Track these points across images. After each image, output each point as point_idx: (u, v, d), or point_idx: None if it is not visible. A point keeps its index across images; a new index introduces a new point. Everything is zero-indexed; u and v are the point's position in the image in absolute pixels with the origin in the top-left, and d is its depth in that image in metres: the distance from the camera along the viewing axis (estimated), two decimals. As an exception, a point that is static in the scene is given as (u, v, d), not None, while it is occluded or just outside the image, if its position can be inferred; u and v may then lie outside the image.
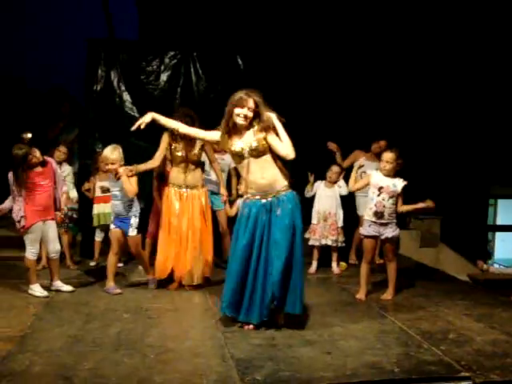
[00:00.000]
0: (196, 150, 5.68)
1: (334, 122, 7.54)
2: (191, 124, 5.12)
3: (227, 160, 6.62)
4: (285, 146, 4.25)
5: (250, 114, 4.27)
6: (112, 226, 5.57)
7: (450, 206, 7.87)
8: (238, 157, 4.36)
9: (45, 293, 5.28)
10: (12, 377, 3.40)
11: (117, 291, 5.46)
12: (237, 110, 4.26)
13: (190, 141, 5.60)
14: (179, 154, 5.66)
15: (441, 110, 8.30)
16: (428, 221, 8.01)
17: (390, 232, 5.23)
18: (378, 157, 6.71)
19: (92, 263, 6.74)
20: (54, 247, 5.41)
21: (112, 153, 5.38)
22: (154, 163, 5.66)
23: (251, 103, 4.26)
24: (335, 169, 6.56)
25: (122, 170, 5.31)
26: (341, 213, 6.53)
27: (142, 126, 4.48)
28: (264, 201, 4.31)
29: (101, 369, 3.54)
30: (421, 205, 5.27)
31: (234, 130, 4.36)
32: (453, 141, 8.16)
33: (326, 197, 6.50)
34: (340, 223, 6.52)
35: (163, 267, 5.67)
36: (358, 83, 8.34)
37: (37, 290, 5.30)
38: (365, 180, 5.52)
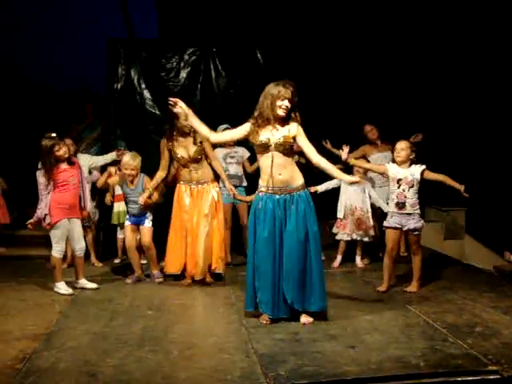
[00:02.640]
0: (194, 148, 5.60)
1: (354, 115, 7.45)
2: None
3: (240, 152, 6.61)
4: (315, 153, 4.35)
5: (289, 105, 4.28)
6: (127, 223, 5.87)
7: (475, 196, 7.75)
8: (263, 148, 4.32)
9: (70, 290, 5.34)
10: (38, 374, 3.45)
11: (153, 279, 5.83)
12: (279, 102, 4.25)
13: (185, 140, 5.61)
14: (179, 155, 5.63)
15: (466, 99, 8.16)
16: (453, 212, 7.90)
17: (413, 223, 5.17)
18: (385, 144, 6.72)
19: (116, 260, 6.81)
20: (79, 245, 5.48)
21: (134, 160, 5.72)
22: (161, 174, 5.77)
23: (290, 94, 4.26)
24: None
25: (142, 201, 5.62)
26: (381, 202, 6.40)
27: (178, 105, 4.48)
28: (277, 196, 4.31)
29: (125, 365, 3.57)
30: (458, 185, 5.22)
31: (263, 122, 4.33)
32: (478, 131, 8.02)
33: (352, 190, 6.41)
34: (371, 220, 6.39)
35: (174, 263, 5.72)
36: (380, 76, 8.25)
37: (62, 287, 5.36)
38: (381, 168, 5.44)
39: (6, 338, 4.13)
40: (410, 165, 5.22)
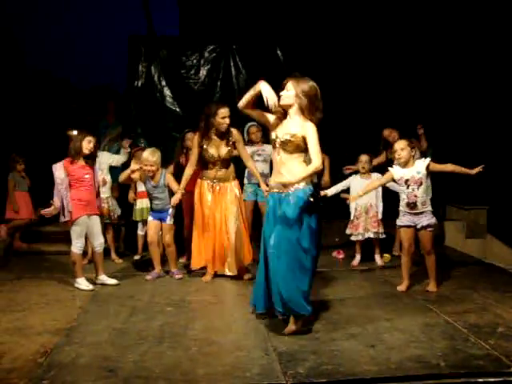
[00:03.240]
0: (227, 149, 5.65)
1: (374, 113, 7.41)
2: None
3: (268, 150, 6.60)
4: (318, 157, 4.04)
5: (289, 96, 4.10)
6: (150, 218, 5.93)
7: (497, 195, 7.65)
8: (273, 144, 4.26)
9: (90, 286, 5.39)
10: (59, 368, 3.49)
11: (176, 276, 5.89)
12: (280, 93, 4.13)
13: (221, 140, 5.63)
14: (211, 153, 5.64)
15: (488, 99, 8.07)
16: (474, 211, 7.80)
17: (426, 220, 5.10)
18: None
19: (136, 257, 6.84)
20: (99, 240, 5.53)
21: (153, 155, 5.73)
22: (190, 170, 5.75)
23: (291, 87, 4.10)
24: (364, 158, 6.38)
25: (174, 203, 5.74)
26: (381, 205, 6.38)
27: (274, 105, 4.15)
28: (277, 194, 4.16)
29: (145, 361, 3.59)
30: (468, 170, 5.09)
31: (280, 118, 4.23)
32: (499, 129, 7.92)
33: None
34: (380, 215, 6.37)
35: (199, 258, 5.77)
36: (399, 74, 8.21)
37: (82, 283, 5.41)
38: (388, 177, 5.31)
39: (27, 332, 4.18)
40: (414, 162, 5.15)
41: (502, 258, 7.03)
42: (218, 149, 5.63)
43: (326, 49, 8.38)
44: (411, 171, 5.11)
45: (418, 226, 5.14)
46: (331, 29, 8.75)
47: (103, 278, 5.58)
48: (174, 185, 5.82)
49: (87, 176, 5.45)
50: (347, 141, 7.30)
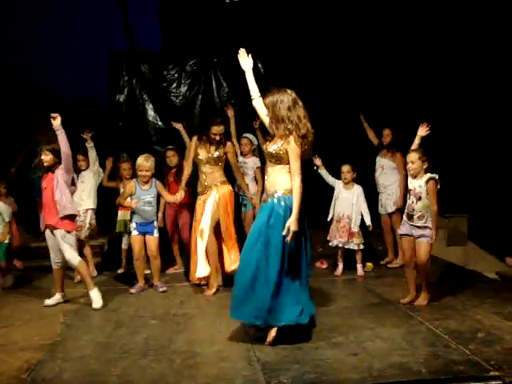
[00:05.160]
0: (216, 154, 5.78)
1: (356, 123, 7.49)
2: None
3: (249, 164, 6.69)
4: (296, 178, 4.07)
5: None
6: (135, 233, 5.90)
7: (477, 203, 7.76)
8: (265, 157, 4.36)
9: (48, 302, 5.36)
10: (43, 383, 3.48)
11: (141, 288, 5.91)
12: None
13: (210, 145, 5.76)
14: (200, 157, 5.82)
15: (467, 105, 8.19)
16: (455, 219, 7.90)
17: (420, 232, 5.04)
18: (388, 150, 6.81)
19: (120, 270, 6.83)
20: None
21: (147, 161, 5.85)
22: (188, 172, 5.98)
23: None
24: (345, 168, 6.46)
25: (178, 200, 5.89)
26: (357, 217, 6.39)
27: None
28: (265, 204, 4.28)
29: (129, 375, 3.60)
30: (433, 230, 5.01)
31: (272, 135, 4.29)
32: (478, 137, 8.04)
33: (341, 198, 6.46)
34: (355, 227, 6.37)
35: (195, 271, 5.81)
36: (379, 86, 8.32)
37: (52, 298, 5.40)
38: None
39: (11, 348, 4.17)
40: (424, 175, 5.06)
41: (483, 265, 7.12)
42: (206, 153, 5.78)
43: (306, 60, 8.47)
44: (416, 183, 5.07)
45: (416, 235, 5.08)
46: (310, 41, 8.85)
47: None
48: (164, 193, 5.99)
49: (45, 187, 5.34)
50: (329, 151, 7.35)
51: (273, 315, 4.06)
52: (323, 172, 6.53)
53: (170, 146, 6.83)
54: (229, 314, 4.24)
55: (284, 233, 3.98)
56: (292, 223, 3.96)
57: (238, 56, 4.50)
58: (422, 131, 5.28)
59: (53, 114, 5.13)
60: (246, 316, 4.14)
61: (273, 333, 4.10)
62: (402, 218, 6.42)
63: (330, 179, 6.56)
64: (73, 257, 5.24)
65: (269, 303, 4.02)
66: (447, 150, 7.85)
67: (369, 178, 6.90)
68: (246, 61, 4.50)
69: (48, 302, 5.36)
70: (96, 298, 5.28)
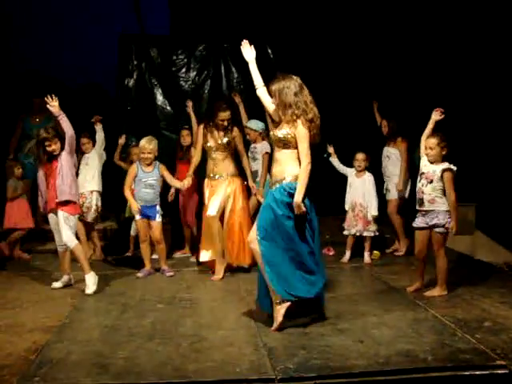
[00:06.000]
0: (225, 140, 5.80)
1: (364, 110, 7.46)
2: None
3: (258, 148, 6.68)
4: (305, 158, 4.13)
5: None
6: (138, 217, 5.91)
7: (485, 192, 7.72)
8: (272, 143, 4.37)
9: (56, 285, 5.38)
10: (51, 365, 3.51)
11: (149, 272, 5.95)
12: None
13: (218, 131, 5.78)
14: (209, 144, 5.82)
15: (476, 93, 8.14)
16: (463, 208, 7.85)
17: (435, 220, 4.91)
18: (390, 139, 6.82)
19: (127, 254, 6.87)
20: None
21: (150, 143, 5.84)
22: (197, 159, 5.97)
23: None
24: (361, 156, 6.44)
25: (186, 186, 5.87)
26: (373, 202, 6.41)
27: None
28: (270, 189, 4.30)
29: (136, 358, 3.62)
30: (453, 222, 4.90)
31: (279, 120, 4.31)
32: (487, 126, 7.99)
33: (354, 187, 6.47)
34: (370, 214, 6.39)
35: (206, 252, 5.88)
36: (389, 71, 8.26)
37: (58, 281, 5.43)
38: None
39: (19, 329, 4.20)
40: (443, 161, 4.95)
41: (490, 254, 7.09)
42: (215, 140, 5.79)
43: (317, 46, 8.43)
44: (431, 167, 4.94)
45: (430, 224, 4.97)
46: (321, 26, 8.79)
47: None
48: (169, 177, 5.98)
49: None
50: (339, 138, 7.32)
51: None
52: (335, 160, 6.53)
53: (186, 126, 6.87)
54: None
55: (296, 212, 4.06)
56: (296, 204, 4.04)
57: (241, 47, 4.54)
58: (437, 115, 5.11)
59: (48, 100, 5.01)
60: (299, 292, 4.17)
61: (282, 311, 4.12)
62: (400, 205, 6.70)
63: (341, 167, 6.57)
64: (70, 239, 5.22)
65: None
66: (455, 139, 7.79)
67: (377, 168, 6.89)
68: (248, 51, 4.54)
69: (56, 284, 5.39)
70: (90, 282, 5.22)
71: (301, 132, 4.11)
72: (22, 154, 7.80)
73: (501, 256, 7.02)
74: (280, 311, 4.12)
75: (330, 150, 6.49)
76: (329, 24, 8.81)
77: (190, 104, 6.84)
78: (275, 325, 4.12)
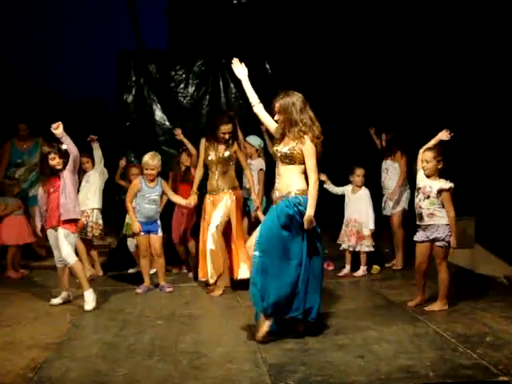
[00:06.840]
0: (226, 154, 5.78)
1: (363, 124, 7.48)
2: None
3: (254, 165, 6.68)
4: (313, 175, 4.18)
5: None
6: (142, 234, 5.89)
7: (485, 206, 7.71)
8: (275, 159, 4.38)
9: (55, 301, 5.35)
10: (49, 383, 3.48)
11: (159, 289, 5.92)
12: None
13: (219, 144, 5.77)
14: (210, 158, 5.81)
15: (475, 107, 8.16)
16: (462, 221, 7.85)
17: (435, 233, 4.92)
18: (389, 152, 6.83)
19: (131, 270, 6.84)
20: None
21: (153, 159, 5.81)
22: (199, 173, 5.95)
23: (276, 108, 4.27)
24: (360, 171, 6.47)
25: (192, 203, 5.84)
26: (370, 217, 6.41)
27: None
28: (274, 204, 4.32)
29: (135, 375, 3.59)
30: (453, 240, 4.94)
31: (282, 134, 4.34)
32: (486, 139, 8.00)
33: (350, 202, 6.52)
34: (367, 229, 6.41)
35: (202, 269, 5.84)
36: (387, 87, 8.30)
37: (56, 298, 5.40)
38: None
39: (17, 347, 4.17)
40: (440, 177, 4.95)
41: (490, 268, 7.07)
42: (218, 154, 5.78)
43: (314, 61, 8.47)
44: (427, 182, 4.95)
45: (431, 238, 4.96)
46: (319, 41, 8.84)
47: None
48: (171, 193, 5.98)
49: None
50: (336, 153, 7.35)
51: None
52: (330, 186, 6.55)
53: (184, 147, 6.78)
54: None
55: (306, 227, 4.10)
56: (308, 218, 4.08)
57: (232, 65, 4.59)
58: (443, 135, 5.10)
59: (54, 125, 5.02)
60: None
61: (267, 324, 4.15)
62: (402, 219, 6.68)
63: (337, 190, 6.60)
64: (70, 256, 5.21)
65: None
66: (454, 152, 7.81)
67: (375, 183, 6.90)
68: (240, 69, 4.58)
69: (54, 301, 5.36)
70: (89, 299, 5.21)
71: (309, 149, 4.16)
72: (25, 182, 7.61)
73: (501, 269, 7.01)
74: (266, 323, 4.16)
75: (323, 177, 6.24)
76: (327, 39, 8.87)
77: (178, 132, 6.76)
78: (259, 334, 4.14)
